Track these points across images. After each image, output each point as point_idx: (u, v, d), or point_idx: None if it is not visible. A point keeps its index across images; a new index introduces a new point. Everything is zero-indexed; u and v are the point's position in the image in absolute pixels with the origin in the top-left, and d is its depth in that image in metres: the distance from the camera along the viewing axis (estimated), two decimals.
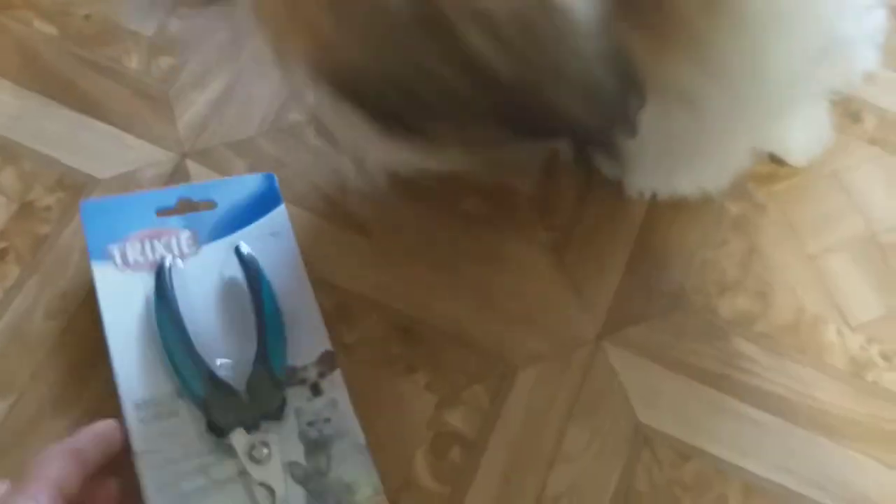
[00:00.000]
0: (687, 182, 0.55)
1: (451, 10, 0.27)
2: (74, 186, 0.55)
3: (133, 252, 0.51)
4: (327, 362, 0.49)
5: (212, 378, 0.47)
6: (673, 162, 0.52)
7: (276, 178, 0.54)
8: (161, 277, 0.50)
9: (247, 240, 0.52)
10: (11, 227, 0.54)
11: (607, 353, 0.52)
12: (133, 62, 0.60)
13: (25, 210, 0.54)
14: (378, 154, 0.41)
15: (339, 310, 0.52)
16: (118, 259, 0.50)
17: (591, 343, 0.52)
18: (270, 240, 0.52)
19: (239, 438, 0.46)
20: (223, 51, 0.60)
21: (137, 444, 0.45)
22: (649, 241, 0.56)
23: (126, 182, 0.56)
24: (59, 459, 0.41)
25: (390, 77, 0.29)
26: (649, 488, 0.48)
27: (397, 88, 0.29)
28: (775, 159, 0.58)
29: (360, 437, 0.47)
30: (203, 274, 0.51)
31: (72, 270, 0.53)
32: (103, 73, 0.59)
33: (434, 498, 0.47)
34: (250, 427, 0.46)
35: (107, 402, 0.48)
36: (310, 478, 0.46)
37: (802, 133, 0.58)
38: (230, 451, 0.46)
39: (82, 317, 0.51)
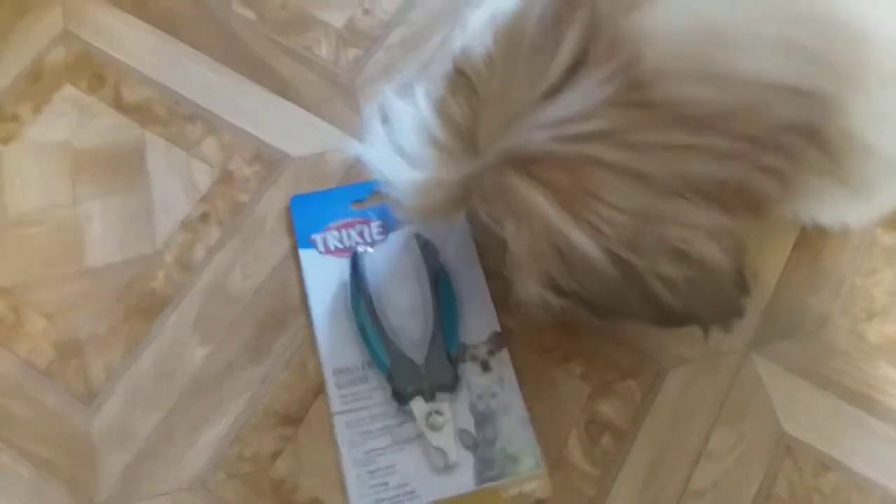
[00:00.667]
0: (842, 216, 0.57)
1: (644, 272, 0.43)
2: (270, 161, 0.61)
3: (332, 240, 0.57)
4: (496, 342, 0.54)
5: (396, 352, 0.52)
6: (835, 197, 0.54)
7: None
8: (355, 263, 0.55)
9: (428, 229, 0.57)
10: (213, 192, 0.61)
11: (755, 363, 0.55)
12: (323, 50, 0.66)
13: (226, 178, 0.61)
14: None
15: (505, 296, 0.55)
16: (320, 246, 0.57)
17: (741, 352, 0.55)
18: (448, 229, 0.57)
19: (418, 406, 0.51)
20: (406, 45, 0.66)
21: (335, 405, 0.52)
22: (801, 262, 0.58)
23: (316, 161, 0.61)
24: None
25: (594, 297, 0.45)
26: (789, 495, 0.51)
27: (599, 302, 0.46)
28: None
29: (524, 413, 0.52)
30: (390, 259, 0.56)
31: (266, 237, 0.59)
32: (295, 58, 0.65)
33: (585, 478, 0.52)
34: (428, 396, 0.51)
35: (294, 356, 0.55)
36: (478, 446, 0.51)
37: None
38: (410, 417, 0.51)
39: (274, 280, 0.58)
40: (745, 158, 0.41)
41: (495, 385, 0.53)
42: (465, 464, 0.51)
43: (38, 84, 0.65)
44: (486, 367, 0.53)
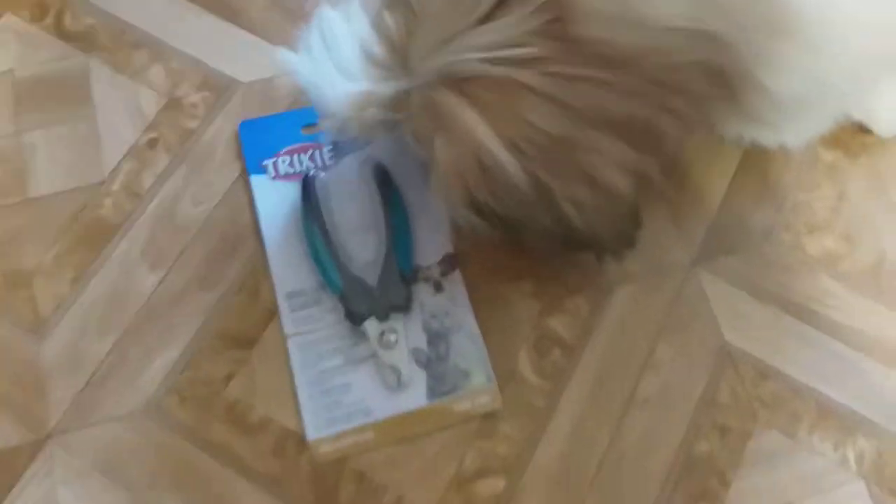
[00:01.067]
0: (776, 138, 0.59)
1: (557, 193, 0.46)
2: (218, 87, 0.61)
3: (283, 165, 0.57)
4: (449, 263, 0.55)
5: (348, 274, 0.53)
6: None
7: None
8: (307, 187, 0.56)
9: (380, 152, 0.57)
10: (161, 119, 0.60)
11: (700, 278, 0.56)
12: None
13: (173, 105, 0.60)
14: None
15: None
16: (271, 171, 0.57)
17: (685, 268, 0.57)
18: (401, 153, 0.58)
19: (371, 326, 0.52)
20: None
21: (288, 327, 0.52)
22: (745, 180, 0.60)
23: (265, 86, 0.61)
24: None
25: (509, 213, 0.48)
26: (731, 400, 0.53)
27: (512, 219, 0.49)
28: (863, 129, 0.61)
29: (476, 330, 0.53)
30: (341, 182, 0.56)
31: (216, 164, 0.58)
32: None
33: (535, 390, 0.53)
34: (381, 317, 0.52)
35: (246, 281, 0.55)
36: (431, 363, 0.52)
37: (890, 107, 0.60)
38: (363, 337, 0.52)
39: (224, 206, 0.57)
40: (652, 99, 0.45)
41: (448, 304, 0.54)
42: (418, 380, 0.52)
43: None
44: (438, 287, 0.54)
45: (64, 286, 0.55)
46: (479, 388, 0.52)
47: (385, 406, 0.52)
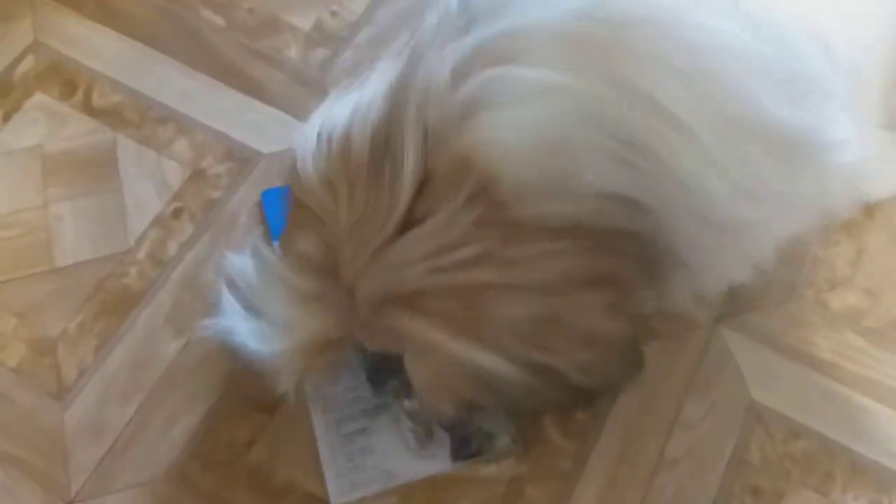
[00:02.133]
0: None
1: (562, 367, 0.44)
2: (241, 158, 0.63)
3: None
4: None
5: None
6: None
7: None
8: None
9: None
10: (186, 189, 0.62)
11: (724, 335, 0.57)
12: (292, 52, 0.68)
13: (198, 176, 0.63)
14: None
15: None
16: None
17: (710, 326, 0.57)
18: None
19: (394, 387, 0.52)
20: (373, 43, 0.69)
21: (310, 390, 0.53)
22: None
23: (286, 157, 0.63)
24: None
25: (510, 402, 0.46)
26: (761, 460, 0.53)
27: (515, 404, 0.47)
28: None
29: None
30: None
31: (240, 232, 0.60)
32: (265, 61, 0.68)
33: (562, 452, 0.53)
34: (403, 379, 0.51)
35: None
36: (455, 426, 0.51)
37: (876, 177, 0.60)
38: (386, 399, 0.52)
39: None
40: (608, 250, 0.43)
41: None
42: (442, 443, 0.52)
43: (8, 94, 0.67)
44: None
45: (88, 353, 0.56)
46: (504, 451, 0.52)
47: (408, 469, 0.52)
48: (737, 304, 0.58)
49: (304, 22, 0.70)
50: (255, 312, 0.44)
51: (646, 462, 0.53)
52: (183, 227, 0.61)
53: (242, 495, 0.52)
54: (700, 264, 0.47)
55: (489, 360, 0.42)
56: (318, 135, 0.44)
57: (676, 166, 0.42)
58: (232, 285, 0.45)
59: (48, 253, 0.60)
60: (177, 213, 0.61)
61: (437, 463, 0.51)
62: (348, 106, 0.44)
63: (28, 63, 0.68)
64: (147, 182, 0.63)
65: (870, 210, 0.63)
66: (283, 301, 0.43)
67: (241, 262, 0.45)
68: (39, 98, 0.67)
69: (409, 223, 0.42)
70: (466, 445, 0.52)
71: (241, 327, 0.44)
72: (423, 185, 0.42)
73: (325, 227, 0.43)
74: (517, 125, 0.41)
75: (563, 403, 0.48)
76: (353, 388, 0.53)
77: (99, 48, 0.68)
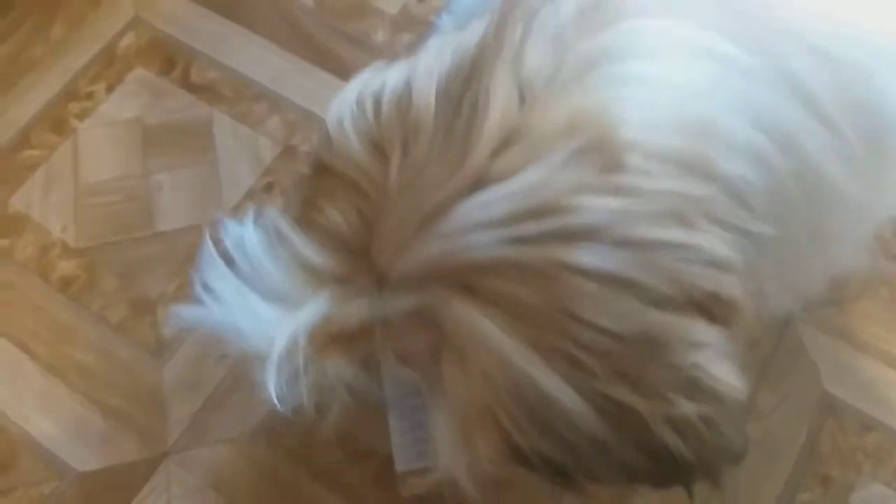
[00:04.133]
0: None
1: (650, 416, 0.33)
2: None
3: None
4: None
5: None
6: None
7: None
8: None
9: None
10: (277, 165, 0.67)
11: (798, 329, 0.59)
12: (379, 36, 0.72)
13: (289, 152, 0.67)
14: None
15: None
16: None
17: (785, 318, 0.59)
18: None
19: None
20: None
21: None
22: None
23: None
24: None
25: (570, 456, 0.34)
26: (833, 451, 0.55)
27: (575, 462, 0.34)
28: None
29: None
30: None
31: None
32: (354, 43, 0.72)
33: None
34: None
35: None
36: None
37: None
38: None
39: None
40: (734, 272, 0.33)
41: None
42: None
43: (111, 66, 0.72)
44: None
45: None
46: None
47: None
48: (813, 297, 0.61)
49: (392, 6, 0.74)
50: (256, 293, 0.34)
51: None
52: (274, 201, 0.65)
53: (325, 455, 0.56)
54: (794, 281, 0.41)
55: (551, 381, 0.32)
56: (359, 100, 0.36)
57: (824, 173, 0.35)
58: (228, 260, 0.35)
59: (149, 218, 0.65)
60: (268, 188, 0.66)
61: None
62: (401, 70, 0.36)
63: (129, 38, 0.73)
64: (241, 156, 0.67)
65: None
66: (294, 281, 0.34)
67: (242, 233, 0.35)
68: (140, 72, 0.72)
69: (483, 185, 0.32)
70: None
71: (234, 309, 0.35)
72: (510, 141, 0.33)
73: (365, 198, 0.34)
74: (654, 83, 0.33)
75: (636, 474, 0.35)
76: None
77: (197, 27, 0.73)
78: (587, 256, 0.31)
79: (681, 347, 0.32)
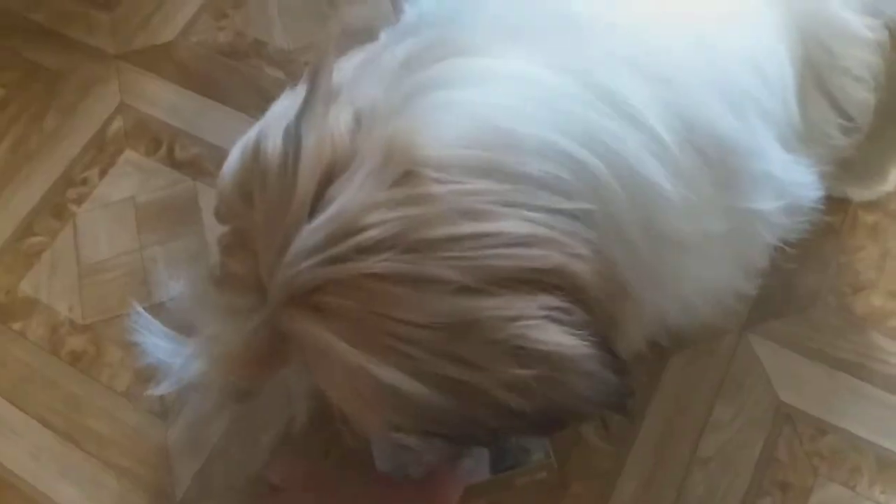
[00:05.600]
0: None
1: (485, 386, 0.38)
2: None
3: None
4: None
5: None
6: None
7: None
8: None
9: None
10: None
11: (750, 341, 0.63)
12: None
13: None
14: None
15: None
16: None
17: (737, 333, 0.64)
18: None
19: None
20: None
21: None
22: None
23: None
24: None
25: (442, 429, 0.40)
26: (789, 457, 0.59)
27: (452, 435, 0.41)
28: None
29: None
30: None
31: None
32: None
33: (601, 454, 0.61)
34: None
35: None
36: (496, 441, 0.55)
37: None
38: None
39: None
40: (548, 244, 0.38)
41: None
42: (482, 454, 0.57)
43: (103, 151, 0.79)
44: None
45: None
46: (537, 465, 0.58)
47: None
48: (762, 311, 0.64)
49: None
50: (183, 333, 0.44)
51: (679, 461, 0.60)
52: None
53: None
54: (651, 292, 0.44)
55: (387, 374, 0.38)
56: (240, 153, 0.42)
57: (639, 169, 0.40)
58: (166, 311, 0.45)
59: (146, 290, 0.71)
60: None
61: (478, 472, 0.57)
62: (265, 118, 0.43)
63: (117, 123, 0.80)
64: None
65: (893, 214, 0.68)
66: (210, 319, 0.42)
67: (177, 291, 0.45)
68: (129, 154, 0.79)
69: (314, 213, 0.39)
70: (503, 458, 0.58)
71: (163, 347, 0.45)
72: (341, 168, 0.38)
73: (250, 239, 0.41)
74: (461, 106, 0.39)
75: (511, 430, 0.41)
76: None
77: (178, 107, 0.80)
78: (382, 265, 0.37)
79: (498, 324, 0.38)
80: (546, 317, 0.38)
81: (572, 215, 0.39)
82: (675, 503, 0.58)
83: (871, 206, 0.68)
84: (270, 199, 0.39)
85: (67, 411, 0.67)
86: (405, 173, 0.38)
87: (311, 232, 0.38)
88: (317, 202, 0.38)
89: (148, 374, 0.68)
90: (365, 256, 0.37)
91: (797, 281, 0.65)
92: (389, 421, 0.40)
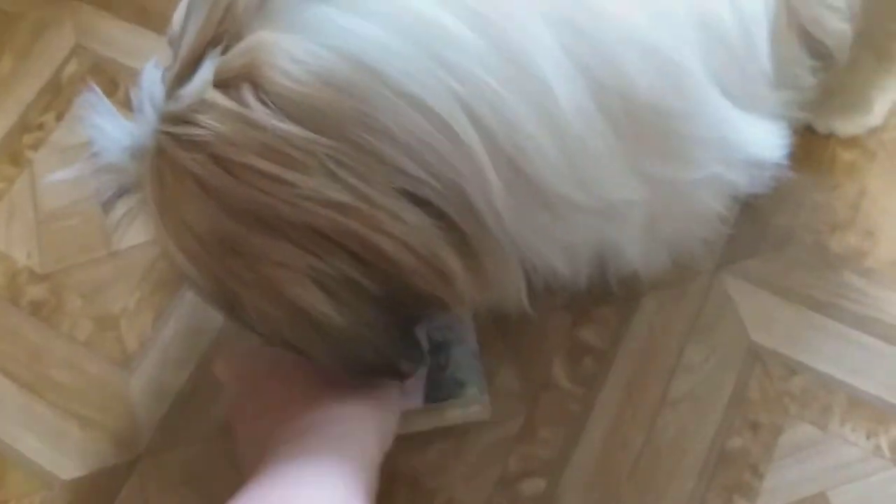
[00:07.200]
0: None
1: (241, 297, 0.42)
2: None
3: None
4: None
5: None
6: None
7: None
8: None
9: None
10: None
11: (724, 281, 0.63)
12: None
13: None
14: None
15: None
16: None
17: (709, 272, 0.63)
18: None
19: None
20: None
21: None
22: None
23: None
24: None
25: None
26: (760, 397, 0.59)
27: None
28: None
29: (475, 346, 0.58)
30: None
31: None
32: None
33: (570, 396, 0.60)
34: None
35: None
36: (431, 370, 0.57)
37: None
38: None
39: None
40: (352, 213, 0.39)
41: (452, 317, 0.57)
42: (417, 384, 0.56)
43: (59, 95, 0.77)
44: None
45: (146, 326, 0.66)
46: (470, 399, 0.57)
47: None
48: (736, 250, 0.63)
49: None
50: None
51: (649, 403, 0.60)
52: None
53: None
54: (541, 251, 0.44)
55: (180, 259, 0.41)
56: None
57: (519, 135, 0.39)
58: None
59: (105, 239, 0.70)
60: None
61: (411, 399, 0.56)
62: None
63: (72, 66, 0.77)
64: None
65: (871, 152, 0.67)
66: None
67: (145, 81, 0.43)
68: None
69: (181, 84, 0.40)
70: (438, 389, 0.57)
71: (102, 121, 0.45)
72: (212, 45, 0.40)
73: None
74: (335, 31, 0.38)
75: (271, 340, 0.44)
76: None
77: (136, 48, 0.77)
78: (191, 163, 0.39)
79: (260, 260, 0.40)
80: (310, 276, 0.40)
81: (401, 190, 0.39)
82: (644, 445, 0.58)
83: (849, 143, 0.66)
84: (175, 48, 0.41)
85: (29, 361, 0.66)
86: (242, 87, 0.38)
87: (173, 100, 0.40)
88: (190, 71, 0.40)
89: (108, 324, 0.68)
90: (187, 149, 0.39)
91: (772, 220, 0.64)
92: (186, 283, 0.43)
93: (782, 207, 0.65)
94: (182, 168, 0.39)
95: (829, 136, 0.66)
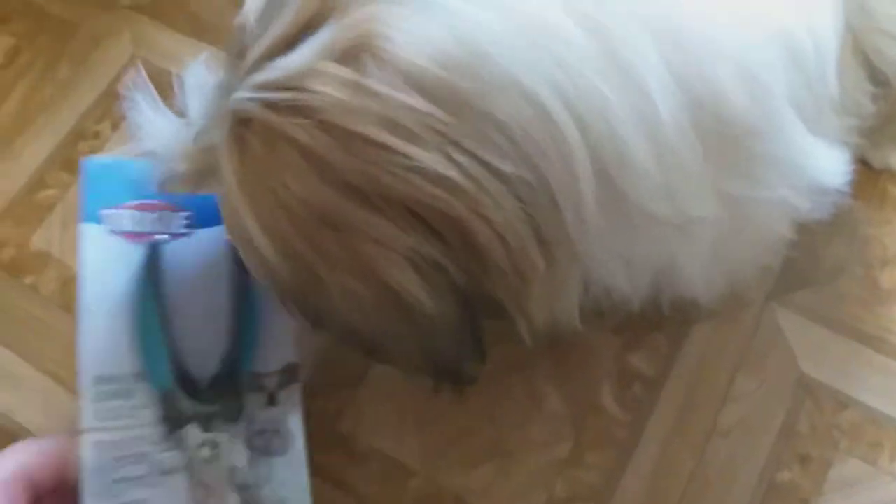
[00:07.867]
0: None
1: (326, 279, 0.40)
2: None
3: (127, 221, 0.50)
4: (289, 373, 0.50)
5: (179, 368, 0.48)
6: None
7: None
8: (153, 255, 0.49)
9: None
10: None
11: (775, 312, 0.63)
12: None
13: None
14: None
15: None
16: (110, 225, 0.50)
17: (760, 303, 0.63)
18: None
19: (192, 433, 0.47)
20: None
21: (87, 420, 0.46)
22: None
23: None
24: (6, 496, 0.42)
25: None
26: (810, 430, 0.59)
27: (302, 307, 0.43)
28: None
29: (303, 456, 0.49)
30: (195, 258, 0.50)
31: None
32: None
33: (617, 422, 0.61)
34: (204, 424, 0.47)
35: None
36: (247, 487, 0.48)
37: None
38: (179, 445, 0.47)
39: None
40: (458, 193, 0.38)
41: (279, 421, 0.49)
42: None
43: (115, 105, 0.78)
44: (272, 400, 0.49)
45: None
46: None
47: None
48: (787, 282, 0.64)
49: None
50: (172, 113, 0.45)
51: (699, 432, 0.60)
52: None
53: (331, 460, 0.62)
54: (606, 265, 0.44)
55: (254, 230, 0.39)
56: None
57: (620, 141, 0.39)
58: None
59: None
60: None
61: None
62: None
63: (130, 76, 0.79)
64: None
65: None
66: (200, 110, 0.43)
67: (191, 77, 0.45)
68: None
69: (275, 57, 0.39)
70: None
71: (151, 119, 0.46)
72: (319, 22, 0.39)
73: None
74: (447, 14, 0.38)
75: (348, 342, 0.44)
76: (141, 426, 0.47)
77: (191, 60, 0.78)
78: (296, 129, 0.38)
79: (360, 237, 0.39)
80: (407, 256, 0.39)
81: (505, 177, 0.38)
82: (693, 473, 0.58)
83: None
84: (258, 25, 0.40)
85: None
86: (361, 57, 0.37)
87: (269, 69, 0.39)
88: (291, 44, 0.39)
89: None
90: (289, 115, 0.38)
91: (824, 252, 0.65)
92: (257, 271, 0.42)
93: (835, 240, 0.65)
94: (278, 134, 0.38)
95: (881, 172, 0.67)
